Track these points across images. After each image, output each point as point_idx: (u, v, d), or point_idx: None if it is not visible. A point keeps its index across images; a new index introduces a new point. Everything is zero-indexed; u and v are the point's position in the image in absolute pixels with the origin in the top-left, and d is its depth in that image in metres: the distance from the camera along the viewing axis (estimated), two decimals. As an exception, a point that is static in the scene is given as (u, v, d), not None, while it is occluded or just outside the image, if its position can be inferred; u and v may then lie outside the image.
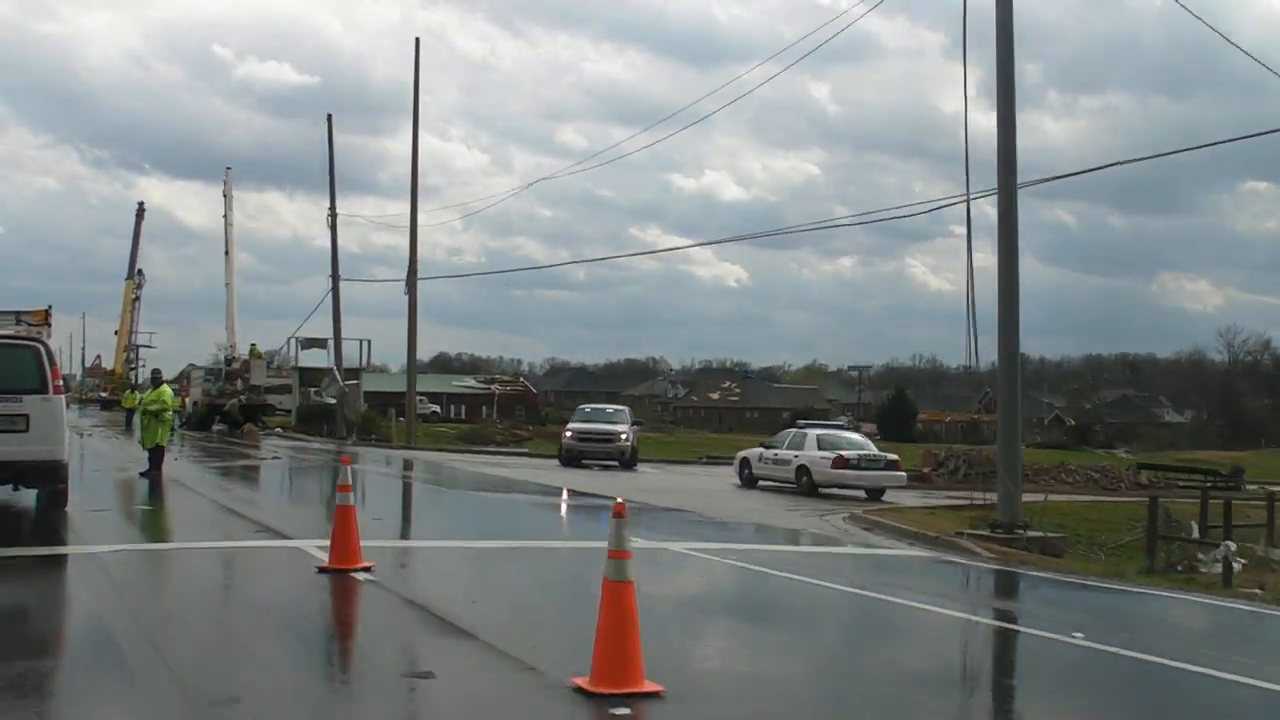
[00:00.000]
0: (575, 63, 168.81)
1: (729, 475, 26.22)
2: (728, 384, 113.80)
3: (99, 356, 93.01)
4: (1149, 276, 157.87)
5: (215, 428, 42.60)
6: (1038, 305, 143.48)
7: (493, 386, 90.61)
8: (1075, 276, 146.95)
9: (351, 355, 44.17)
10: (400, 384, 42.31)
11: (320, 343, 45.36)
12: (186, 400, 44.95)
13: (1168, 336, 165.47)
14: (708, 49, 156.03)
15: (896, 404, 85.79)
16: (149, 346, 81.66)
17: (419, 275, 38.25)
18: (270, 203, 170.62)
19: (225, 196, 51.35)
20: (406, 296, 38.21)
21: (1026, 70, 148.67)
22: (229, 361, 45.59)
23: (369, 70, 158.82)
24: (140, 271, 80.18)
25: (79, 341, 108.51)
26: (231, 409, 41.95)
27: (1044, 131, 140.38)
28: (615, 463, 28.99)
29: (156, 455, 19.06)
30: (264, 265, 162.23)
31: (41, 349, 13.12)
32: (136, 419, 24.04)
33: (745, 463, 25.40)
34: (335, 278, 42.39)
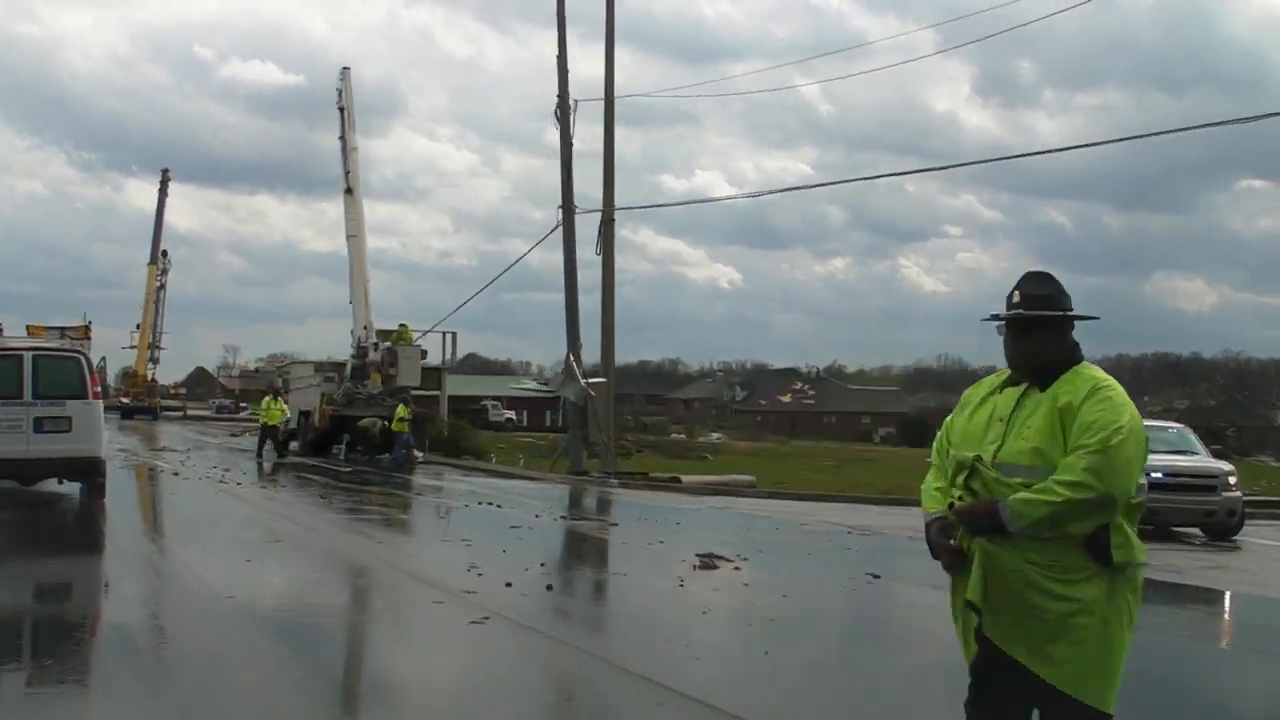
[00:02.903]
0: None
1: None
2: (799, 385, 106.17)
3: (104, 359, 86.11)
4: (1143, 276, 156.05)
5: (335, 448, 30.80)
6: None
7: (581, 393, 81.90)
8: (1071, 277, 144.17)
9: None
10: (476, 387, 32.72)
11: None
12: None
13: (1161, 337, 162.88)
14: (698, 47, 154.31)
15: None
16: (159, 348, 75.54)
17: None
18: (261, 206, 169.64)
19: (341, 109, 34.48)
20: (598, 249, 27.02)
21: (1021, 68, 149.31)
22: (361, 352, 31.76)
23: (356, 70, 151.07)
24: (165, 253, 73.57)
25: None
26: (370, 425, 29.14)
27: (1038, 131, 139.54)
28: (1201, 529, 16.43)
29: None
30: (254, 269, 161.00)
31: (82, 359, 15.19)
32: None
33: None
34: (568, 206, 27.38)
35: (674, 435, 66.53)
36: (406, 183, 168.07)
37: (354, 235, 33.43)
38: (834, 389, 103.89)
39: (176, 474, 21.89)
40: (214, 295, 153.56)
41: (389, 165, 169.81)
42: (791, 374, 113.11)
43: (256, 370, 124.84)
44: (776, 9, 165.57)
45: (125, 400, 65.73)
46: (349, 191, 33.79)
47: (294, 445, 32.52)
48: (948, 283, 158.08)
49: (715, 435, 72.74)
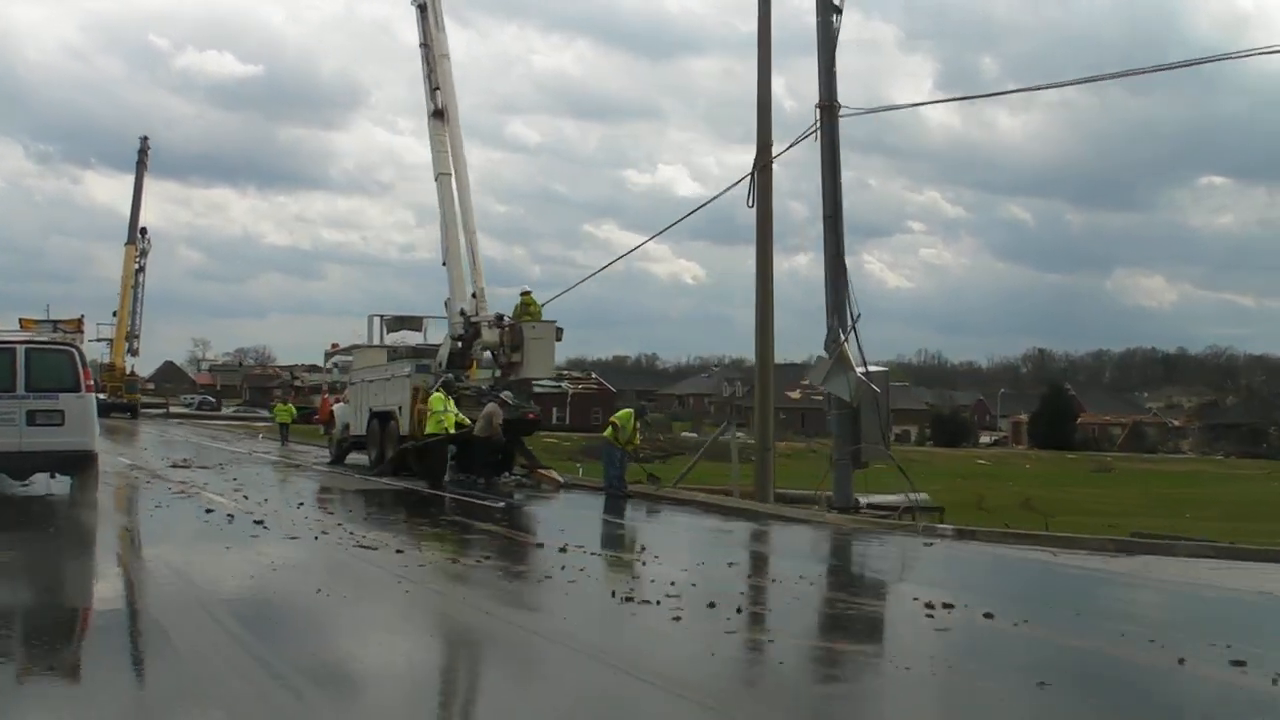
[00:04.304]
0: (524, 55, 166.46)
1: None
2: (808, 381, 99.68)
3: (78, 352, 77.03)
4: (1105, 273, 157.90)
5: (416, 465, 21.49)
6: (993, 302, 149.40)
7: (563, 384, 74.45)
8: (1032, 274, 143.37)
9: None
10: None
11: (413, 323, 28.18)
12: (335, 411, 27.44)
13: (1123, 333, 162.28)
14: (660, 40, 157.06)
15: (1053, 404, 71.80)
16: (137, 337, 67.36)
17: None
18: (219, 199, 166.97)
19: (421, 7, 24.70)
20: (751, 200, 19.51)
21: (984, 65, 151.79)
22: (472, 330, 22.33)
23: (316, 62, 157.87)
24: (144, 232, 65.17)
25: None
26: (493, 432, 19.98)
27: (999, 127, 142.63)
28: None
29: None
30: (214, 263, 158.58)
31: (75, 353, 15.22)
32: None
33: None
34: (829, 105, 17.93)
35: (684, 434, 60.89)
36: (368, 176, 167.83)
37: (446, 173, 24.22)
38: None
39: (261, 522, 13.14)
40: (172, 289, 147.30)
41: (350, 158, 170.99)
42: (795, 369, 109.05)
43: (239, 364, 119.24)
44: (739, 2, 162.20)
45: (102, 396, 56.08)
46: (438, 114, 24.66)
47: (338, 454, 26.47)
48: (910, 279, 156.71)
49: (739, 434, 65.77)
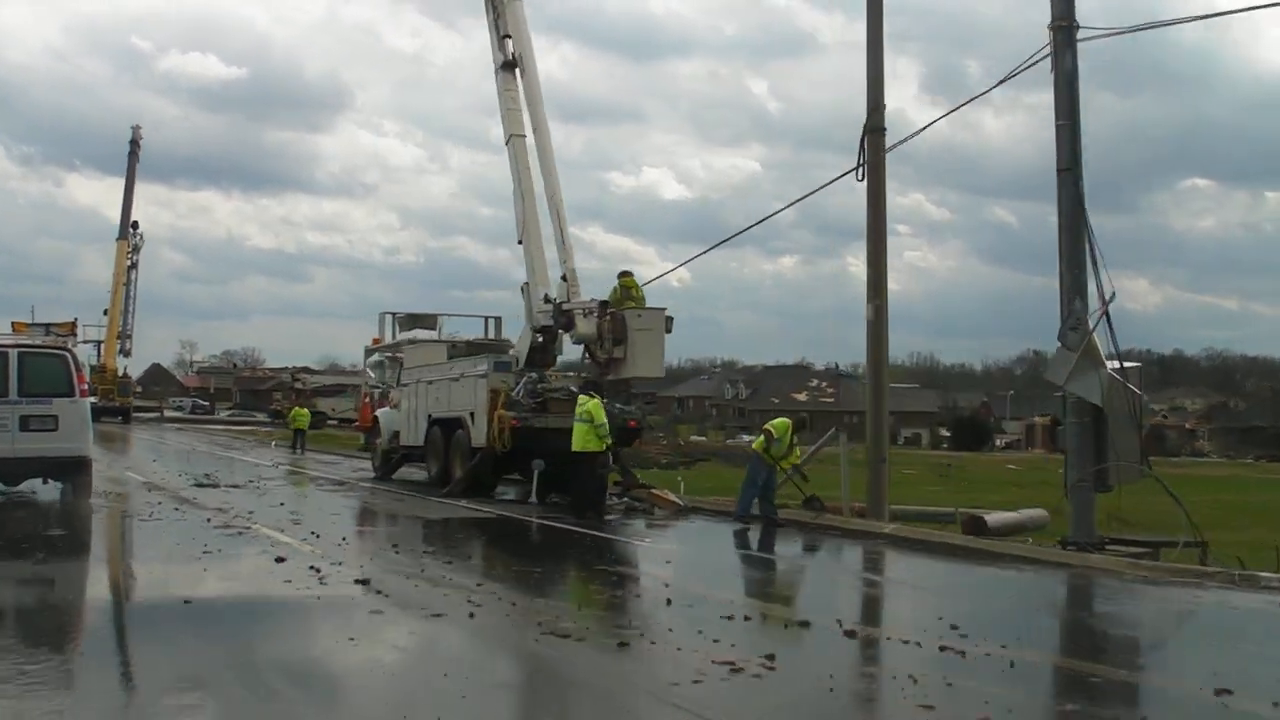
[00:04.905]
0: None
1: None
2: (816, 383, 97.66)
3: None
4: (1091, 277, 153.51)
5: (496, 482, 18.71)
6: (980, 305, 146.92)
7: (634, 409, 70.25)
8: (1018, 277, 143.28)
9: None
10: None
11: (428, 321, 26.04)
12: (379, 418, 22.97)
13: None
14: (645, 43, 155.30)
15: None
16: (129, 337, 63.63)
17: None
18: (204, 201, 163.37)
19: None
20: (861, 174, 15.91)
21: (968, 67, 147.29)
22: (564, 319, 18.25)
23: (300, 64, 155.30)
24: (136, 226, 61.65)
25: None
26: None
27: (984, 129, 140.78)
28: None
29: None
30: (198, 265, 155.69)
31: (69, 356, 14.95)
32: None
33: None
34: (1066, 25, 13.30)
35: (693, 438, 57.83)
36: (353, 178, 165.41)
37: (519, 134, 20.02)
38: (852, 387, 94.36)
39: (365, 583, 8.94)
40: (156, 292, 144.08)
41: (335, 161, 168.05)
42: (802, 370, 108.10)
43: (234, 367, 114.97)
44: (727, 4, 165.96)
45: (93, 400, 51.88)
46: (509, 66, 20.38)
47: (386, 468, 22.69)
48: (896, 281, 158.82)
49: (746, 438, 62.99)
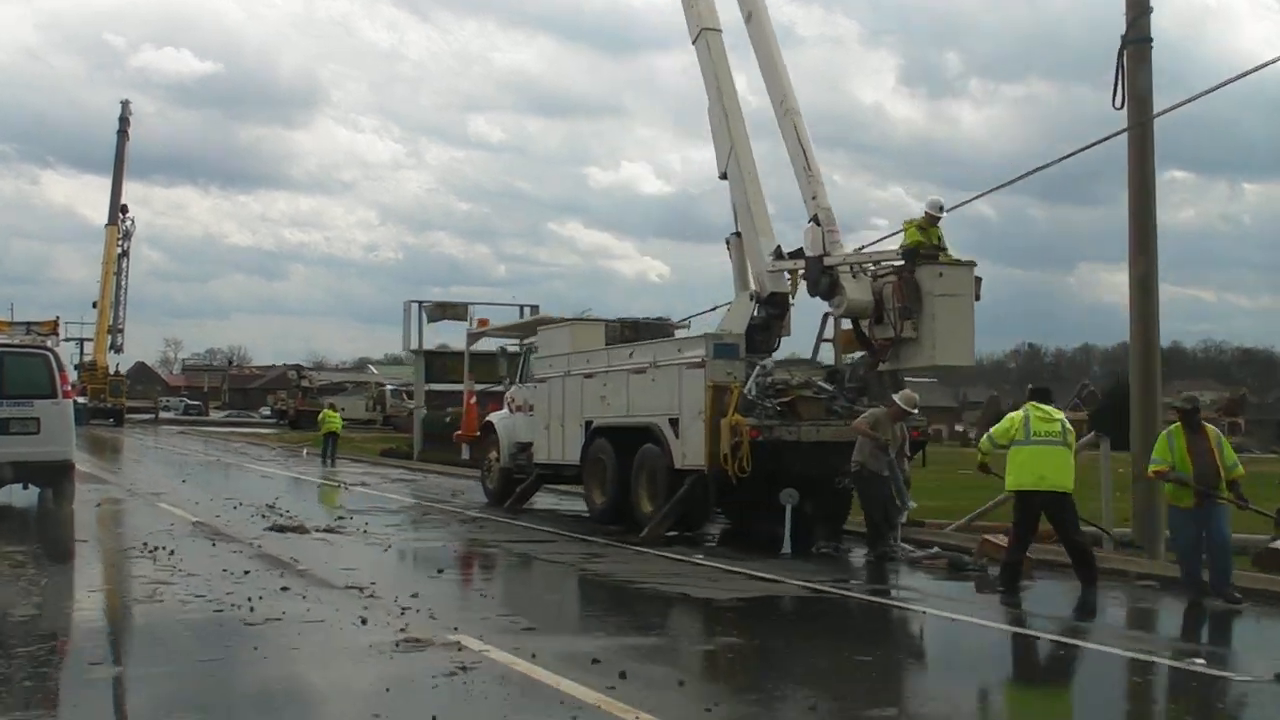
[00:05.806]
0: (486, 52, 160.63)
1: None
2: None
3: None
4: (1067, 268, 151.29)
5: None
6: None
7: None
8: (996, 270, 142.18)
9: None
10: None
11: (458, 311, 24.71)
12: (495, 425, 16.58)
13: (1095, 329, 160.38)
14: (623, 37, 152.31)
15: (1116, 400, 63.33)
16: (121, 331, 57.79)
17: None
18: (180, 198, 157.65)
19: None
20: (1121, 99, 11.62)
21: (947, 60, 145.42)
22: (817, 276, 12.21)
23: (275, 59, 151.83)
24: (125, 209, 56.96)
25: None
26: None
27: (963, 123, 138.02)
28: None
29: None
30: (175, 263, 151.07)
31: (51, 356, 14.09)
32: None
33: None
34: None
35: None
36: (330, 175, 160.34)
37: (712, 27, 13.92)
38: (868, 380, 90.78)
39: None
40: (134, 289, 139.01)
41: (312, 158, 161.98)
42: (805, 362, 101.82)
43: (229, 363, 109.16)
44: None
45: (81, 400, 45.86)
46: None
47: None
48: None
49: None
